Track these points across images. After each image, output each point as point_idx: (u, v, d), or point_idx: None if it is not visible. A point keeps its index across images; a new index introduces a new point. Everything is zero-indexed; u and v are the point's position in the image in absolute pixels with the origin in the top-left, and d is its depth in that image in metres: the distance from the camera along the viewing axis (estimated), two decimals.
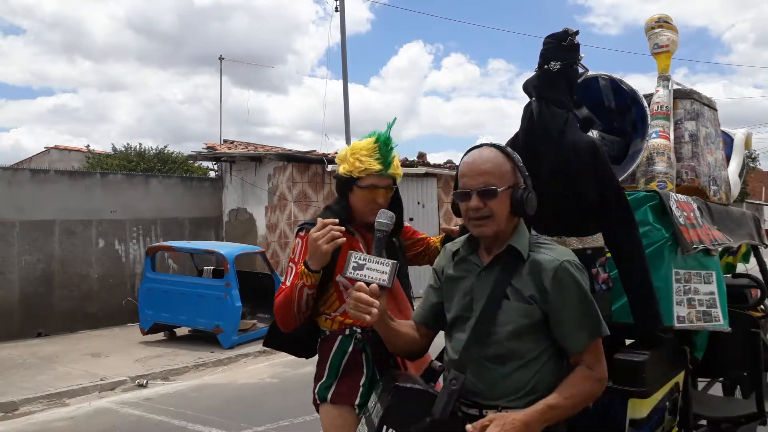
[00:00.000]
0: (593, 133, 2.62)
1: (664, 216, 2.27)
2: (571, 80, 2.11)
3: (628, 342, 2.41)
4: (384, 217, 1.72)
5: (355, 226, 1.97)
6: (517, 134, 2.19)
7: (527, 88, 2.14)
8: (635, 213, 2.30)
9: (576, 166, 1.98)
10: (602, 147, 2.07)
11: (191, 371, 6.45)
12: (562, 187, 2.00)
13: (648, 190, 2.37)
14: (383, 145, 1.91)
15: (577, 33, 2.06)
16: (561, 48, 2.05)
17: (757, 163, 32.82)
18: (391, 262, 1.57)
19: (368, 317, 1.48)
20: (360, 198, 1.92)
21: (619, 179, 2.49)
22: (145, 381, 5.96)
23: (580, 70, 2.16)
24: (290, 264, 1.93)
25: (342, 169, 1.93)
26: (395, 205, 1.97)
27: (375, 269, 1.54)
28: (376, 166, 1.88)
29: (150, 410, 5.09)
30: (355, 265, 1.55)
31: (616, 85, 2.55)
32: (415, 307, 1.93)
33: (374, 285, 1.51)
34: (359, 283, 1.52)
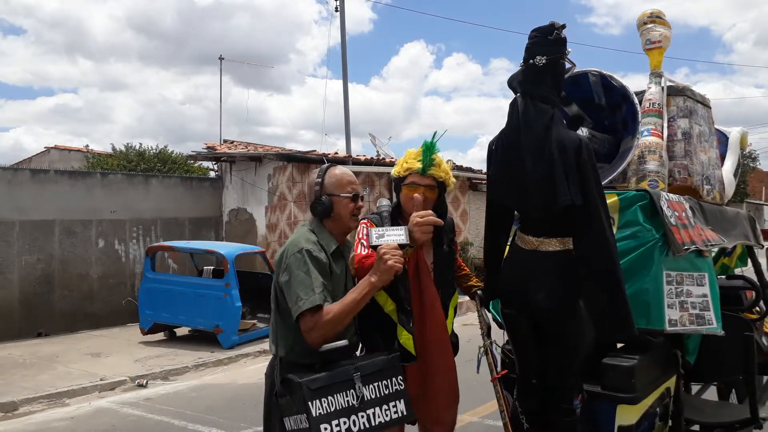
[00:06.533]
0: (583, 131, 2.57)
1: (655, 216, 2.21)
2: (557, 75, 2.04)
3: (619, 346, 2.36)
4: (383, 202, 2.08)
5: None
6: (503, 131, 2.14)
7: (512, 83, 2.09)
8: (625, 213, 2.25)
9: (561, 164, 1.93)
10: (589, 145, 2.01)
11: (191, 371, 6.43)
12: (548, 186, 1.95)
13: (638, 189, 2.31)
14: (426, 150, 2.15)
15: (563, 27, 1.99)
16: (547, 42, 1.99)
17: (757, 163, 32.44)
18: (404, 227, 1.87)
19: (399, 265, 1.77)
20: (404, 195, 2.18)
21: (610, 178, 2.44)
22: (145, 381, 5.94)
23: (567, 65, 2.11)
24: (359, 240, 2.13)
25: (394, 171, 2.22)
26: (441, 211, 2.17)
27: (393, 234, 1.84)
28: (416, 165, 2.13)
29: (150, 410, 5.06)
30: (377, 235, 1.83)
31: (606, 82, 2.49)
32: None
33: (395, 242, 1.81)
34: (385, 244, 1.81)
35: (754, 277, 2.97)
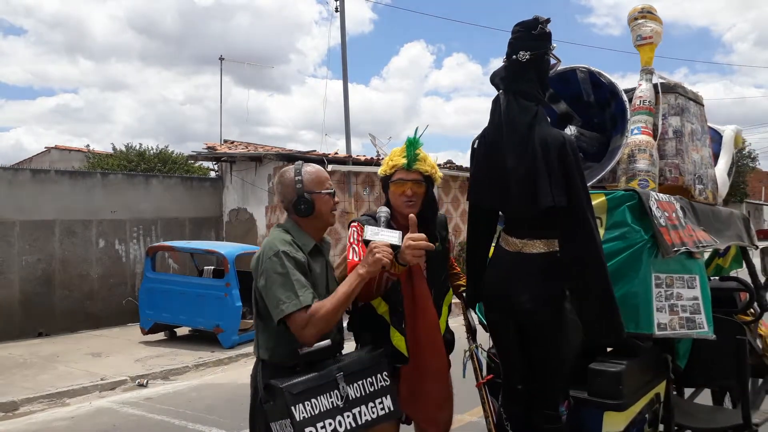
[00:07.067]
0: (571, 129, 2.51)
1: (644, 217, 2.15)
2: (542, 72, 1.98)
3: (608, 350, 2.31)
4: (383, 209, 2.10)
5: (398, 226, 2.15)
6: (485, 130, 2.09)
7: (494, 80, 2.04)
8: (613, 213, 2.20)
9: (544, 163, 1.88)
10: (573, 143, 1.95)
11: (191, 371, 6.43)
12: (530, 186, 1.90)
13: (627, 189, 2.25)
14: (409, 145, 2.15)
15: (548, 21, 1.93)
16: (531, 37, 1.92)
17: (757, 163, 32.03)
18: (398, 232, 1.89)
19: (387, 260, 1.78)
20: (393, 192, 2.17)
21: (598, 177, 2.39)
22: (145, 381, 5.94)
23: (552, 62, 2.05)
24: (350, 245, 2.14)
25: (381, 170, 2.23)
26: (430, 208, 2.20)
27: (387, 235, 1.86)
28: (401, 161, 2.14)
29: (150, 410, 5.07)
30: (370, 233, 1.86)
31: (594, 79, 2.43)
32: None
33: (387, 242, 1.83)
34: (376, 241, 1.83)
35: (749, 279, 2.90)
